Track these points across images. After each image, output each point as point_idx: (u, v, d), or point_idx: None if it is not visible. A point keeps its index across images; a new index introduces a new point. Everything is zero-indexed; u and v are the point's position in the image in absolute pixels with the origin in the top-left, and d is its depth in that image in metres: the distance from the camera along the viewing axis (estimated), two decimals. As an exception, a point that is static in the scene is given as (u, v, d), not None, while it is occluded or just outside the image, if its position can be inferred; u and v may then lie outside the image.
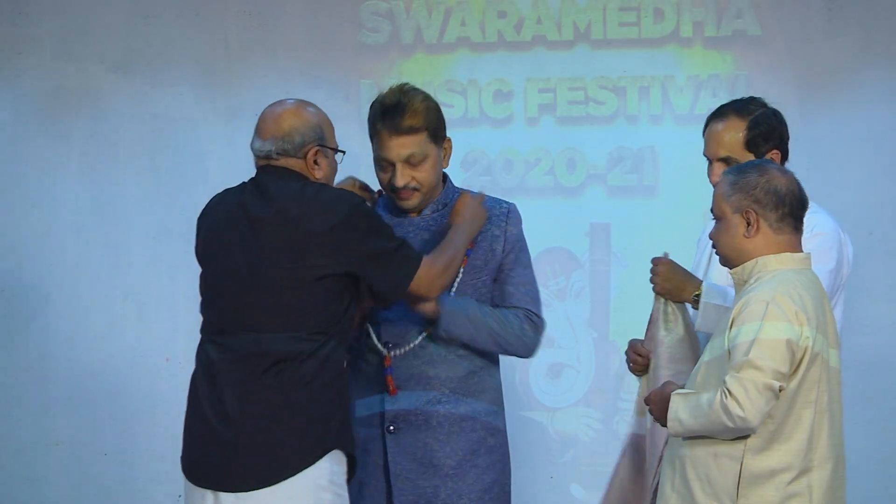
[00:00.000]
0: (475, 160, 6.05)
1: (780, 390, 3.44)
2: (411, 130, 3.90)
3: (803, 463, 3.50)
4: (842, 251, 4.16)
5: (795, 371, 3.47)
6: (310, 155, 3.85)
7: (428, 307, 3.88)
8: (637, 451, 4.02)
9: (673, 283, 4.01)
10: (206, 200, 6.19)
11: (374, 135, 3.96)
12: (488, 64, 6.07)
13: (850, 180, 5.82)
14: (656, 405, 3.65)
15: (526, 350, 4.04)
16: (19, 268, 6.25)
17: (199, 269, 6.40)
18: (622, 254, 5.94)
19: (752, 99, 4.24)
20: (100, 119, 6.25)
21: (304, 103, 3.97)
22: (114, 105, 6.24)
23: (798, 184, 3.63)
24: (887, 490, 5.85)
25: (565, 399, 6.00)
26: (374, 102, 3.96)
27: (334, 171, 3.94)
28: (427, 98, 3.96)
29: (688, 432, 3.54)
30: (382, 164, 3.95)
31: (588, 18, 6.04)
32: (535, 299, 4.04)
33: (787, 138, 4.21)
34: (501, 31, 6.08)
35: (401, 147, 3.91)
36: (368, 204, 3.91)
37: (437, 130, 3.94)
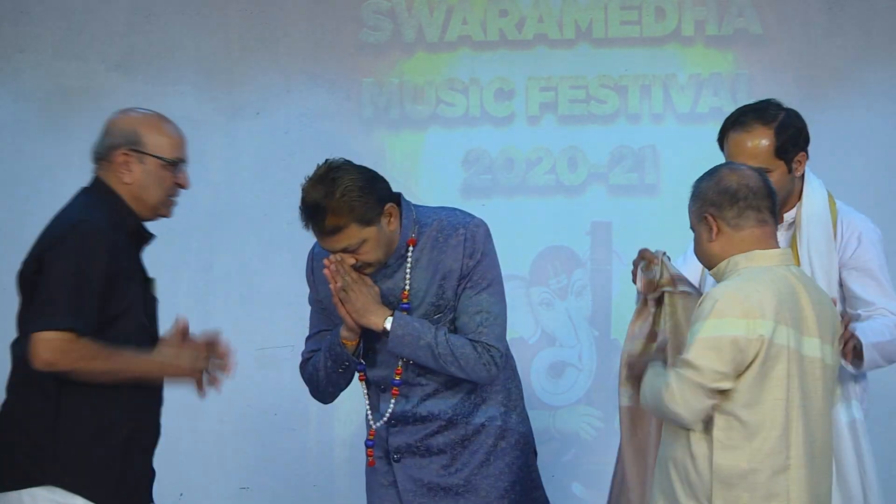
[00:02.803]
0: (476, 159, 6.05)
1: (719, 391, 3.46)
2: (336, 230, 3.79)
3: (778, 462, 3.49)
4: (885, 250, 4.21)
5: (749, 368, 3.47)
6: (117, 159, 3.82)
7: (376, 324, 3.84)
8: (632, 422, 3.98)
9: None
10: (207, 200, 6.23)
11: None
12: (490, 62, 6.07)
13: (850, 179, 5.81)
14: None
15: (480, 380, 3.95)
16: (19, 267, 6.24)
17: (199, 269, 6.42)
18: (623, 253, 5.93)
19: (768, 102, 4.19)
20: (101, 118, 6.11)
21: (132, 110, 3.95)
22: (115, 104, 6.12)
23: (754, 176, 3.63)
24: (888, 490, 5.85)
25: (567, 398, 6.00)
26: (302, 190, 3.83)
27: (160, 182, 3.86)
28: (347, 187, 3.77)
29: (648, 409, 3.65)
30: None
31: (589, 17, 6.04)
32: (492, 325, 3.91)
33: (809, 138, 4.21)
34: (503, 30, 6.08)
35: (333, 244, 3.84)
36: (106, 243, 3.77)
37: (364, 216, 3.80)
